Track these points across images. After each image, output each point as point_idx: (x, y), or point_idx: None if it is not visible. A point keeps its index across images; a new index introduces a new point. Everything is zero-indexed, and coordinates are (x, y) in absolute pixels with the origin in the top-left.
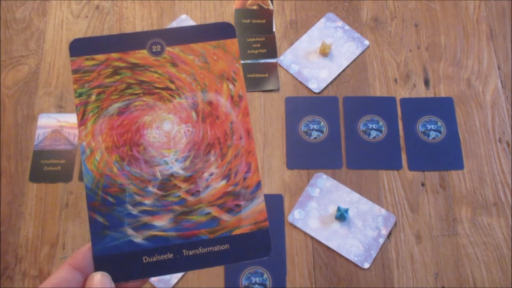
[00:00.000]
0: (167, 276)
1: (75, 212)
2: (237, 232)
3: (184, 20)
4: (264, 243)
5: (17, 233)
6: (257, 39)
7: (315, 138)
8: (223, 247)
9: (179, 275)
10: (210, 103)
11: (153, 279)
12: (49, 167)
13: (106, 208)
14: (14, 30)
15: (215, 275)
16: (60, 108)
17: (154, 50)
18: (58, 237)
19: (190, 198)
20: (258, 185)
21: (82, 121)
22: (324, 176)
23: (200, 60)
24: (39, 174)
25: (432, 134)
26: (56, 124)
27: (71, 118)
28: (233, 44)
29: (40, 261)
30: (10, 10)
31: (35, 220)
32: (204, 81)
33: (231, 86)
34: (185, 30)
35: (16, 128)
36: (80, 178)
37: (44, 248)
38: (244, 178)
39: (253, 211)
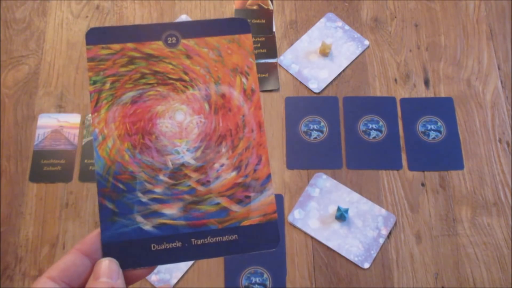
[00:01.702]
0: (167, 276)
1: (75, 212)
2: (246, 223)
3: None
4: (273, 235)
5: (17, 233)
6: (257, 39)
7: (315, 138)
8: (231, 238)
9: (179, 275)
10: (223, 96)
11: (153, 279)
12: (49, 167)
13: (116, 194)
14: (14, 30)
15: (215, 275)
16: (60, 108)
17: (169, 42)
18: (58, 237)
19: (200, 188)
20: (268, 177)
21: (95, 108)
22: (324, 176)
23: (215, 54)
24: (39, 174)
25: (432, 134)
26: (56, 124)
27: (71, 118)
28: (247, 39)
29: (40, 261)
30: (10, 10)
31: (35, 220)
32: (217, 74)
33: (244, 80)
34: (200, 23)
35: (16, 128)
36: (80, 178)
37: (44, 248)
38: (255, 170)
39: (263, 203)
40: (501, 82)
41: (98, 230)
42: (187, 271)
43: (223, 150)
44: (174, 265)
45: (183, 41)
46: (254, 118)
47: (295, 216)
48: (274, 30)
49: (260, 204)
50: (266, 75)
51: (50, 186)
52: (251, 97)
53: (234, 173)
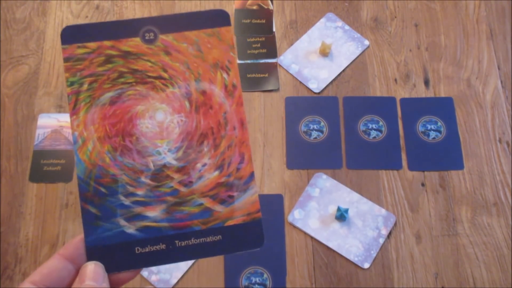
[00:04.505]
0: (167, 276)
1: (75, 212)
2: (230, 223)
3: None
4: (257, 234)
5: (17, 233)
6: (257, 39)
7: (315, 138)
8: (215, 238)
9: (179, 274)
10: (203, 93)
11: (153, 279)
12: (49, 167)
13: (98, 198)
14: (14, 30)
15: (215, 275)
16: (60, 108)
17: (147, 38)
18: (58, 237)
19: (183, 189)
20: (251, 176)
21: (74, 111)
22: (324, 176)
23: (194, 49)
24: (39, 174)
25: (432, 134)
26: (56, 124)
27: None
28: (227, 32)
29: (40, 261)
30: (10, 10)
31: (35, 220)
32: (197, 70)
33: (225, 75)
34: (179, 17)
35: (16, 128)
36: None
37: (44, 248)
38: (237, 169)
39: (246, 202)
40: (501, 82)
41: (81, 235)
42: (187, 271)
43: (205, 149)
44: (174, 265)
45: (161, 36)
46: (236, 115)
47: (295, 216)
48: (274, 30)
49: (244, 203)
50: (266, 75)
51: (50, 186)
52: (232, 93)
53: (216, 173)
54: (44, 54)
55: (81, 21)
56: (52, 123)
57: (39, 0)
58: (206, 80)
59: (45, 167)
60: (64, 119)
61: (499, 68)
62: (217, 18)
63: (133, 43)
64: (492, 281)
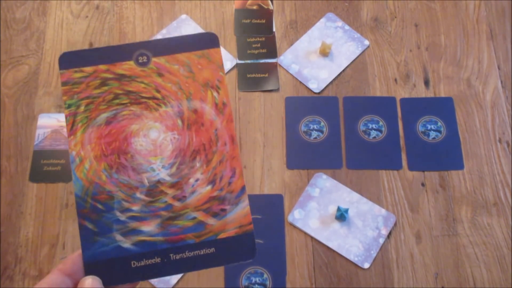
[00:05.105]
0: (167, 277)
1: (75, 212)
2: (222, 235)
3: (184, 20)
4: (249, 246)
5: (17, 233)
6: (257, 39)
7: (315, 138)
8: (209, 251)
9: (179, 275)
10: (195, 111)
11: (153, 280)
12: (49, 167)
13: (95, 215)
14: (14, 30)
15: (215, 275)
16: (60, 108)
17: (140, 61)
18: (58, 237)
19: (177, 204)
20: (243, 189)
21: (71, 131)
22: (324, 176)
23: (185, 70)
24: (39, 174)
25: (432, 134)
26: (56, 124)
27: None
28: (216, 54)
29: (40, 261)
30: (10, 10)
31: (35, 220)
32: (189, 90)
33: (215, 94)
34: (170, 41)
35: (16, 128)
36: None
37: (44, 248)
38: (229, 183)
39: (238, 215)
40: (501, 82)
41: (79, 251)
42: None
43: (198, 165)
44: None
45: (154, 59)
46: (226, 132)
47: (295, 216)
48: (274, 30)
49: (236, 216)
50: (266, 75)
51: (50, 186)
52: (223, 111)
53: (209, 187)
54: (44, 54)
55: (81, 21)
56: (52, 123)
57: (39, 0)
58: (197, 99)
59: (45, 167)
60: (64, 119)
61: (499, 68)
62: (207, 41)
63: (127, 66)
64: (492, 281)
